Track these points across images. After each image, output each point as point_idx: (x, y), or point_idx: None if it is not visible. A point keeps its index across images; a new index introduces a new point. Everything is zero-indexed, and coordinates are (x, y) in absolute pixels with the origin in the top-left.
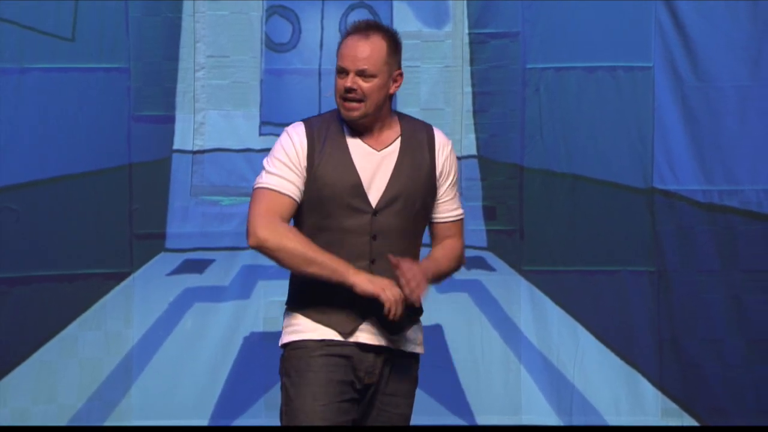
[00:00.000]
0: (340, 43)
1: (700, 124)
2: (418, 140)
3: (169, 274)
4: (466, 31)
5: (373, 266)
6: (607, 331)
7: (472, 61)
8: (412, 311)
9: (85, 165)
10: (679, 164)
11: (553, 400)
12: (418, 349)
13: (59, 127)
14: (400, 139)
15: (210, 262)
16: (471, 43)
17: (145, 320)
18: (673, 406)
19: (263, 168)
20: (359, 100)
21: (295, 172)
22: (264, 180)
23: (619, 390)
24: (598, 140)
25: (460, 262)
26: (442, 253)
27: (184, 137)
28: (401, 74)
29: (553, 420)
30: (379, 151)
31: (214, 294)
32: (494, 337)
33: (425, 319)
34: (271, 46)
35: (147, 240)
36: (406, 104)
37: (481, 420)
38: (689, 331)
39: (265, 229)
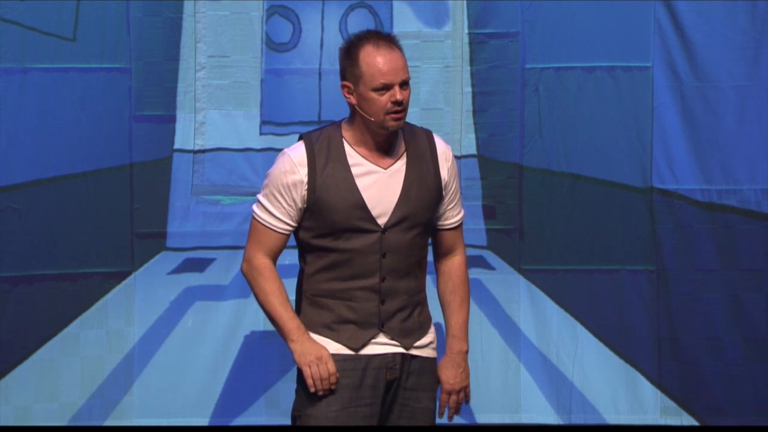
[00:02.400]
0: (366, 59)
1: (699, 123)
2: (421, 152)
3: (170, 273)
4: (466, 31)
5: (383, 284)
6: (606, 330)
7: (471, 61)
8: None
9: (86, 165)
10: (678, 164)
11: (553, 398)
12: (430, 353)
13: (60, 126)
14: (405, 154)
15: (211, 261)
16: (471, 43)
17: (146, 319)
18: (672, 404)
19: (262, 188)
20: (404, 110)
21: (285, 208)
22: (258, 212)
23: (618, 388)
24: (597, 140)
25: (467, 275)
26: (461, 295)
27: (184, 137)
28: None
29: (552, 418)
30: (386, 169)
31: (215, 293)
32: (494, 335)
33: None
34: (272, 46)
35: (148, 239)
36: None
37: (481, 418)
38: (688, 330)
39: (247, 264)
